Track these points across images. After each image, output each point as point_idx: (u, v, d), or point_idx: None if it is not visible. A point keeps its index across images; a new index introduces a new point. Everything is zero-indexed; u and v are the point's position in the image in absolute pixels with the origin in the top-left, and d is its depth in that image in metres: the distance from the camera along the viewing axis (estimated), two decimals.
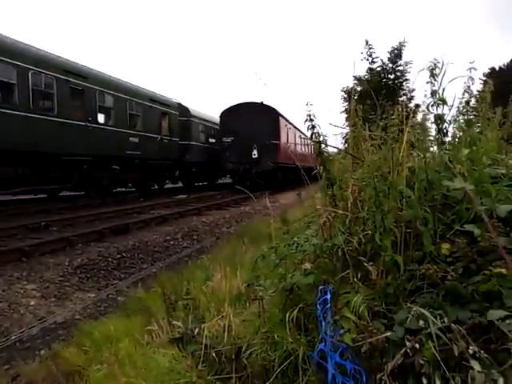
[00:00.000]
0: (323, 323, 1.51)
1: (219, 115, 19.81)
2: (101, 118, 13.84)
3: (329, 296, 1.54)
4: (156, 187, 18.42)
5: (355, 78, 9.33)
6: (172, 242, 7.98)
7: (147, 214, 11.15)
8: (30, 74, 10.42)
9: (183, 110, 19.61)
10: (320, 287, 1.67)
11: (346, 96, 9.46)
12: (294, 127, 22.14)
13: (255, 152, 16.95)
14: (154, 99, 16.85)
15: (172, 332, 2.59)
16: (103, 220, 9.62)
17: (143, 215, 10.79)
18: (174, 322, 2.65)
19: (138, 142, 15.38)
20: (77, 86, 12.22)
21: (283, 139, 18.53)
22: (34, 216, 9.80)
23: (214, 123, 21.94)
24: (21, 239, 7.11)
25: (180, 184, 21.54)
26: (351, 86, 9.57)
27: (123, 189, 16.40)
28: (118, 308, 4.57)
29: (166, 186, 19.89)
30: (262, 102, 18.58)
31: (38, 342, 3.83)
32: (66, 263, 5.76)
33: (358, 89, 8.74)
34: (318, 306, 1.56)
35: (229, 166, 17.79)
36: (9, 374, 3.21)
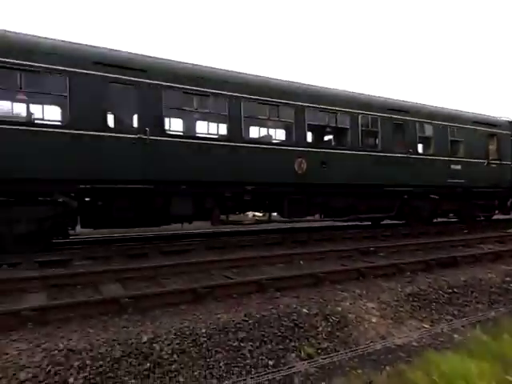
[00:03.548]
0: None
1: None
2: (420, 148, 14.06)
3: None
4: (482, 218, 16.43)
5: None
6: None
7: (475, 248, 10.10)
8: (359, 117, 12.15)
9: None
10: None
11: None
12: None
13: None
14: (477, 121, 15.41)
15: None
16: (427, 250, 9.50)
17: (470, 249, 9.85)
18: None
19: (461, 170, 14.44)
20: (398, 121, 13.06)
21: None
22: (362, 241, 11.00)
23: None
24: (356, 261, 8.12)
25: None
26: None
27: (444, 219, 15.66)
28: (457, 346, 4.33)
29: (494, 217, 17.34)
30: None
31: (381, 357, 4.20)
32: (399, 289, 6.03)
33: None
34: None
35: None
36: (362, 379, 3.68)
